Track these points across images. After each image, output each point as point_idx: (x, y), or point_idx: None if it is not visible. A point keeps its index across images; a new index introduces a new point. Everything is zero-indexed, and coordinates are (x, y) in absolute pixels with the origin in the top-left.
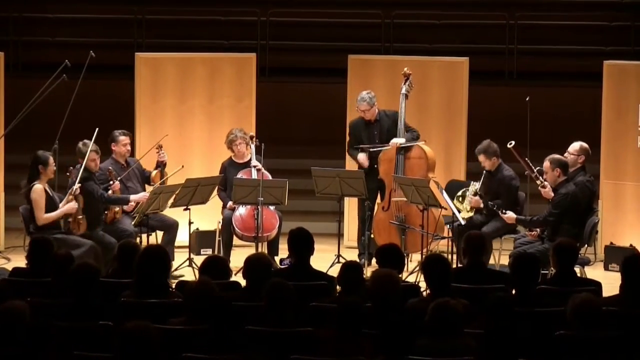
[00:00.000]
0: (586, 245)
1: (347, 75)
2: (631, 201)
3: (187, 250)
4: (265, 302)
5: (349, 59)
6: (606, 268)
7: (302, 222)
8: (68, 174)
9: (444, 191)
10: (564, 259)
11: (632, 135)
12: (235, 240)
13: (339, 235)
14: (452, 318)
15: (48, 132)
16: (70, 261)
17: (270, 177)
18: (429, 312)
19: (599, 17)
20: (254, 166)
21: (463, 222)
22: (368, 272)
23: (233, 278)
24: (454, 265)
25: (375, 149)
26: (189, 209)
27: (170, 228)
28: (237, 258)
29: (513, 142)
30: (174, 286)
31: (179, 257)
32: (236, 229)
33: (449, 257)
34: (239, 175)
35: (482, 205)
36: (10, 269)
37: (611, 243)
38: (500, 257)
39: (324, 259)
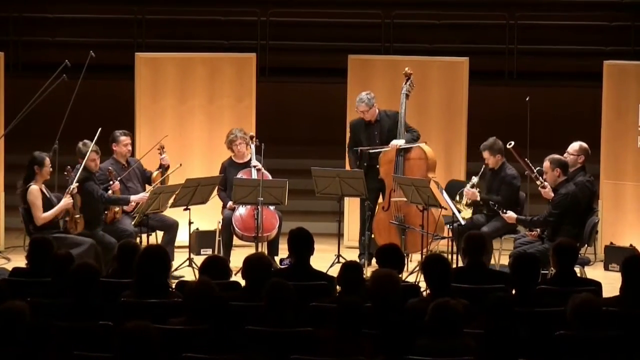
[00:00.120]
0: (586, 245)
1: (347, 75)
2: (631, 201)
3: (187, 250)
4: (265, 302)
5: (349, 59)
6: (606, 268)
7: (302, 222)
8: (66, 173)
9: (444, 191)
10: (564, 259)
11: (632, 135)
12: (235, 240)
13: (339, 235)
14: (452, 318)
15: (48, 132)
16: (70, 261)
17: (270, 177)
18: (429, 312)
19: (599, 17)
20: (254, 166)
21: (463, 222)
22: (368, 272)
23: (233, 278)
24: (454, 265)
25: (374, 151)
26: (189, 209)
27: (170, 228)
28: (237, 258)
29: (513, 143)
30: (174, 286)
31: (179, 257)
32: (236, 229)
33: (449, 257)
34: (239, 175)
35: (478, 198)
36: (10, 269)
37: (611, 243)
38: (500, 257)
39: (324, 259)
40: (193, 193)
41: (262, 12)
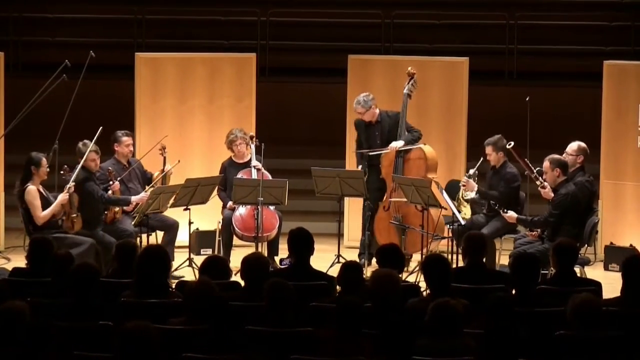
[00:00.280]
0: (586, 245)
1: (347, 75)
2: (631, 201)
3: (187, 250)
4: (265, 302)
5: (349, 59)
6: (606, 268)
7: (302, 222)
8: (62, 172)
9: (444, 191)
10: (564, 259)
11: (632, 135)
12: (235, 240)
13: (339, 235)
14: (452, 318)
15: (48, 132)
16: (70, 261)
17: (270, 177)
18: (429, 312)
19: (599, 17)
20: (254, 166)
21: (463, 222)
22: (368, 272)
23: (233, 278)
24: (454, 265)
25: (374, 153)
26: (189, 209)
27: (171, 228)
28: (237, 258)
29: (512, 143)
30: (174, 286)
31: (179, 257)
32: (236, 229)
33: (449, 257)
34: (239, 175)
35: (475, 189)
36: (10, 269)
37: (611, 243)
38: (500, 257)
39: (324, 259)
40: (193, 193)
41: (262, 12)
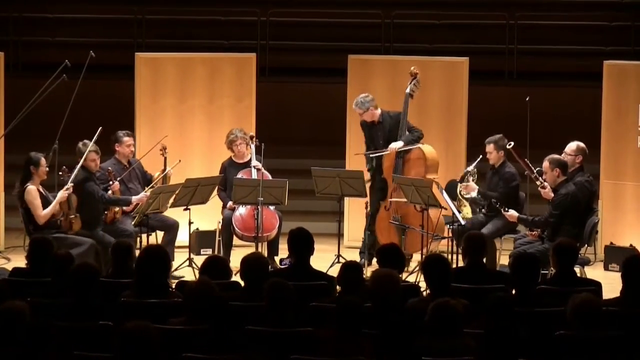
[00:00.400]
0: (586, 245)
1: (347, 75)
2: (631, 201)
3: (187, 250)
4: (265, 302)
5: (349, 59)
6: (606, 268)
7: (302, 222)
8: (61, 173)
9: (444, 191)
10: (564, 259)
11: (632, 135)
12: (235, 240)
13: (339, 235)
14: (452, 318)
15: (48, 132)
16: (70, 261)
17: (270, 177)
18: (429, 312)
19: (599, 17)
20: (254, 166)
21: (463, 222)
22: (368, 272)
23: (233, 278)
24: (454, 265)
25: (375, 155)
26: (189, 209)
27: (171, 228)
28: (237, 258)
29: (512, 143)
30: (174, 286)
31: (179, 257)
32: (236, 229)
33: (449, 257)
34: (239, 175)
35: (475, 190)
36: (10, 269)
37: (611, 243)
38: (500, 257)
39: (324, 259)
40: (193, 193)
41: (262, 12)
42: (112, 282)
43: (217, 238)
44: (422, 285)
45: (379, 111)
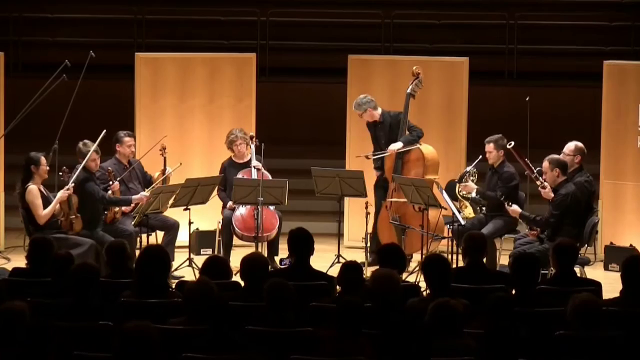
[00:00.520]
0: (586, 245)
1: (347, 75)
2: (631, 201)
3: (187, 250)
4: (265, 302)
5: (349, 59)
6: (606, 268)
7: (302, 222)
8: (61, 173)
9: (444, 191)
10: (564, 259)
11: (632, 135)
12: (235, 240)
13: (339, 235)
14: (452, 318)
15: (48, 132)
16: (70, 261)
17: (270, 177)
18: (429, 312)
19: (599, 17)
20: (255, 166)
21: (463, 222)
22: (368, 272)
23: (233, 278)
24: (454, 265)
25: (375, 156)
26: (189, 209)
27: (171, 228)
28: (237, 258)
29: (512, 143)
30: (174, 286)
31: (179, 257)
32: (236, 229)
33: (449, 257)
34: (239, 176)
35: (474, 193)
36: (10, 269)
37: (611, 243)
38: (500, 257)
39: (324, 259)
40: (193, 193)
41: (262, 12)
42: (112, 282)
43: (217, 238)
44: (422, 285)
45: (378, 111)
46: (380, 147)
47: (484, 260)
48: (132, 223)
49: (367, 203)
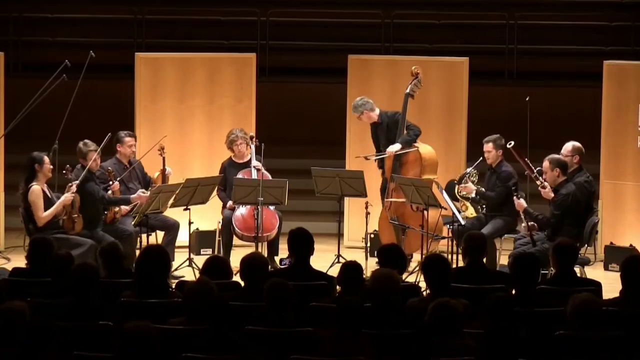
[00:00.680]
0: (586, 245)
1: (347, 75)
2: (631, 201)
3: (187, 250)
4: (265, 302)
5: (349, 59)
6: (606, 268)
7: (302, 222)
8: (65, 172)
9: (444, 191)
10: (564, 259)
11: (632, 135)
12: (235, 240)
13: (339, 235)
14: (452, 318)
15: (48, 132)
16: (70, 261)
17: (270, 177)
18: (429, 312)
19: (599, 17)
20: (255, 167)
21: (463, 222)
22: (368, 272)
23: (233, 278)
24: (454, 265)
25: (375, 158)
26: (189, 209)
27: (172, 228)
28: (238, 258)
29: (513, 142)
30: (174, 286)
31: (179, 257)
32: (236, 229)
33: (449, 257)
34: (239, 176)
35: (473, 194)
36: (10, 269)
37: (611, 243)
38: (500, 257)
39: (324, 259)
40: (193, 193)
41: (262, 12)
42: (111, 282)
43: (217, 238)
44: (422, 285)
45: (376, 112)
46: (380, 148)
47: (484, 260)
48: (132, 223)
49: (367, 203)
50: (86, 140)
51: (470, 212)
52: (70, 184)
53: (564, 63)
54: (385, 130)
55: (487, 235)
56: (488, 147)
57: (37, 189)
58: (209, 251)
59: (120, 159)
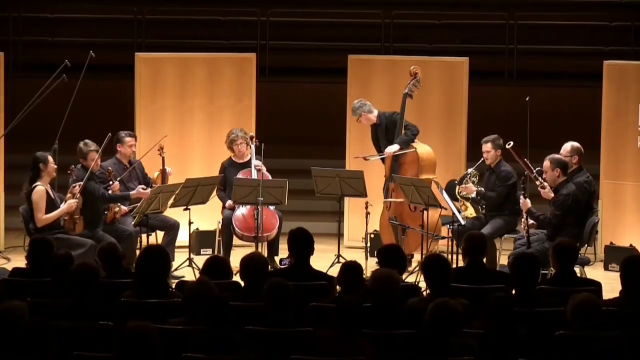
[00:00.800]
0: (586, 245)
1: (347, 75)
2: (631, 201)
3: (187, 250)
4: (265, 302)
5: (349, 59)
6: (606, 268)
7: (302, 222)
8: (69, 172)
9: (444, 191)
10: (564, 259)
11: (632, 135)
12: (235, 240)
13: (339, 235)
14: (452, 318)
15: (48, 132)
16: (70, 261)
17: (270, 177)
18: (429, 312)
19: (599, 17)
20: (256, 166)
21: (463, 222)
22: (368, 272)
23: (233, 278)
24: (454, 265)
25: (373, 159)
26: (189, 209)
27: (172, 228)
28: (237, 258)
29: (512, 143)
30: (174, 286)
31: (179, 257)
32: (236, 229)
33: (449, 257)
34: (239, 175)
35: (473, 194)
36: (10, 269)
37: (611, 243)
38: (500, 257)
39: (324, 259)
40: (193, 193)
41: (262, 12)
42: (111, 282)
43: (217, 238)
44: (422, 285)
45: (374, 114)
46: (381, 149)
47: (484, 260)
48: (132, 223)
49: (367, 203)
50: (86, 140)
51: (470, 212)
52: (73, 185)
53: (564, 63)
54: (384, 130)
55: (487, 235)
56: (486, 147)
57: (41, 189)
58: (209, 251)
59: (120, 159)
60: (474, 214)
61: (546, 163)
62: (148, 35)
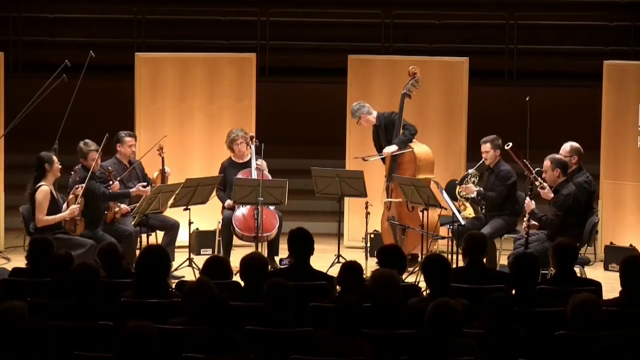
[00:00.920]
0: (586, 245)
1: (347, 75)
2: (631, 201)
3: (187, 250)
4: (265, 302)
5: (349, 59)
6: (606, 268)
7: (302, 222)
8: (72, 172)
9: (444, 191)
10: (564, 259)
11: (632, 135)
12: (235, 240)
13: (339, 235)
14: (452, 318)
15: (48, 132)
16: (70, 261)
17: (270, 177)
18: (429, 312)
19: (599, 17)
20: (258, 166)
21: (463, 222)
22: (368, 272)
23: (233, 278)
24: (454, 265)
25: (372, 159)
26: (189, 209)
27: (172, 228)
28: (237, 258)
29: (511, 144)
30: (174, 286)
31: (179, 257)
32: (236, 229)
33: (449, 257)
34: (239, 175)
35: (474, 194)
36: (10, 269)
37: (611, 243)
38: (500, 257)
39: (324, 259)
40: (193, 193)
41: (262, 12)
42: (111, 282)
43: (217, 238)
44: (422, 285)
45: (373, 115)
46: (381, 149)
47: (484, 260)
48: (132, 223)
49: (367, 203)
50: (86, 140)
51: (469, 212)
52: (76, 187)
53: (564, 63)
54: (384, 131)
55: (487, 235)
56: (485, 147)
57: (45, 189)
58: (209, 251)
59: (120, 159)
60: (473, 214)
61: (546, 163)
62: (148, 35)
